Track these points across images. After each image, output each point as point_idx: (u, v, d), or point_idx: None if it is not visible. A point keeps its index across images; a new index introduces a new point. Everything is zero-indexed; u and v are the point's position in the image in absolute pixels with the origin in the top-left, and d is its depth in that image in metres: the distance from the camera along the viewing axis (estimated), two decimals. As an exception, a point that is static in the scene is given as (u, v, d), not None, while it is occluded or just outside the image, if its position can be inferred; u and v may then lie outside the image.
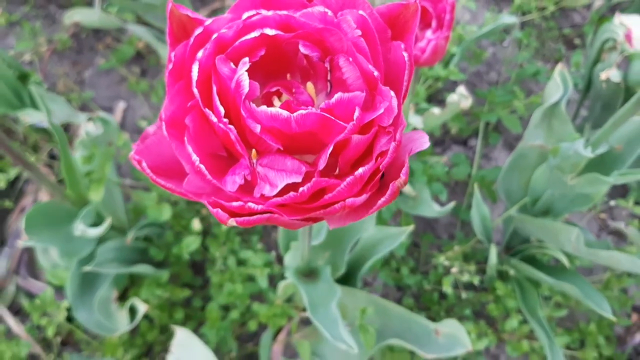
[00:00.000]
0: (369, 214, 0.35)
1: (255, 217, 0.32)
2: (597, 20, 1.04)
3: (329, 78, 0.37)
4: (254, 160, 0.34)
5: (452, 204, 0.78)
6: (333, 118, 0.32)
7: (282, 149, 0.34)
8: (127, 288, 0.91)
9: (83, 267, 0.73)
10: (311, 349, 0.81)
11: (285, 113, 0.32)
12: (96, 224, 0.80)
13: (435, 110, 0.83)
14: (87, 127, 0.75)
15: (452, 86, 1.07)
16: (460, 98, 0.81)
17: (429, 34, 0.63)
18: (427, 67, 0.98)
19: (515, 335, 0.86)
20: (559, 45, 1.17)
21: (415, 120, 0.83)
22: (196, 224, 0.88)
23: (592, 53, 0.86)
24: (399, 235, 0.74)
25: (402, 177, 0.33)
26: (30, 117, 0.81)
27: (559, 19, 1.21)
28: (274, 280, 0.90)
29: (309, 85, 0.38)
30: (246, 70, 0.33)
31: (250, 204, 0.32)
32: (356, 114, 0.32)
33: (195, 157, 0.33)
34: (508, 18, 0.88)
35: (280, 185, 0.33)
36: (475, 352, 0.88)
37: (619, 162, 0.71)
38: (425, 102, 0.97)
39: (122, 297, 0.88)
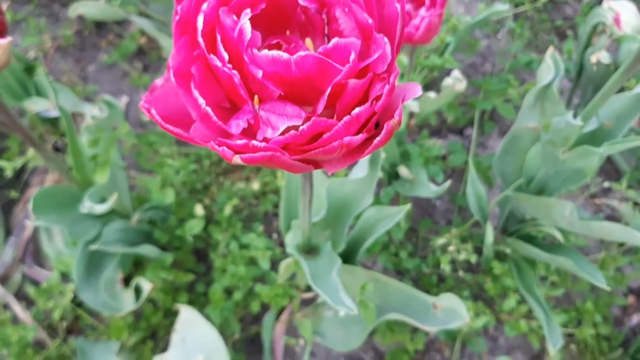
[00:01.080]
0: (364, 154, 0.37)
1: (258, 154, 0.34)
2: (587, 12, 1.07)
3: (326, 32, 0.39)
4: (257, 106, 0.36)
5: (448, 182, 0.80)
6: (330, 61, 0.34)
7: (282, 95, 0.36)
8: (131, 275, 0.93)
9: (89, 247, 0.75)
10: (312, 328, 0.82)
11: (285, 55, 0.34)
12: (101, 209, 0.82)
13: (431, 94, 0.85)
14: (93, 111, 0.77)
15: (447, 75, 1.09)
16: (455, 81, 0.83)
17: (422, 11, 0.66)
18: (424, 58, 1.00)
19: (513, 315, 0.87)
20: (551, 37, 1.20)
21: (411, 104, 0.85)
22: (199, 210, 0.90)
23: (583, 38, 0.89)
24: (397, 214, 0.76)
25: (396, 117, 0.35)
26: (36, 105, 0.83)
27: (551, 12, 1.24)
28: (275, 265, 0.92)
29: (308, 41, 0.40)
30: (248, 21, 0.35)
31: (254, 142, 0.34)
32: (352, 56, 0.34)
33: (201, 100, 0.35)
34: (501, 6, 0.91)
35: (282, 128, 0.35)
36: (474, 331, 0.89)
37: (609, 138, 0.73)
38: (422, 90, 1.00)
39: (126, 283, 0.90)
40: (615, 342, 0.90)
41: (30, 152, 0.89)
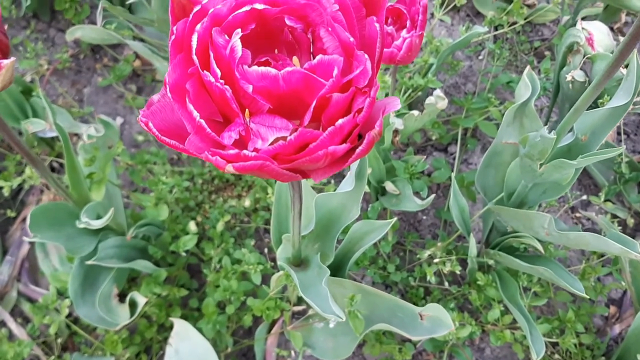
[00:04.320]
0: (348, 163, 0.39)
1: (249, 163, 0.36)
2: (563, 33, 1.11)
3: (311, 50, 0.43)
4: (247, 119, 0.39)
5: (432, 196, 0.83)
6: (315, 76, 0.37)
7: (272, 108, 0.38)
8: (125, 293, 0.95)
9: (85, 262, 0.77)
10: (303, 339, 0.84)
11: (273, 71, 0.36)
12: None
13: (415, 112, 0.89)
14: (89, 130, 0.80)
15: (430, 95, 1.13)
16: (437, 99, 0.87)
17: (404, 33, 0.70)
18: (408, 78, 1.04)
19: (498, 325, 0.90)
20: (530, 57, 1.25)
21: (396, 121, 0.88)
22: (192, 226, 0.92)
23: (559, 57, 0.93)
24: (384, 227, 0.79)
25: (377, 128, 0.38)
26: (33, 125, 0.86)
27: (529, 33, 1.29)
28: (267, 280, 0.94)
29: (295, 59, 0.43)
30: (239, 39, 0.38)
31: (245, 152, 0.36)
32: (335, 71, 0.37)
33: (196, 114, 0.37)
34: (480, 28, 0.95)
35: (271, 139, 0.38)
36: (461, 342, 0.91)
37: (585, 151, 0.77)
38: (406, 109, 1.03)
39: (122, 299, 0.91)
40: (598, 352, 0.93)
41: (27, 171, 0.92)
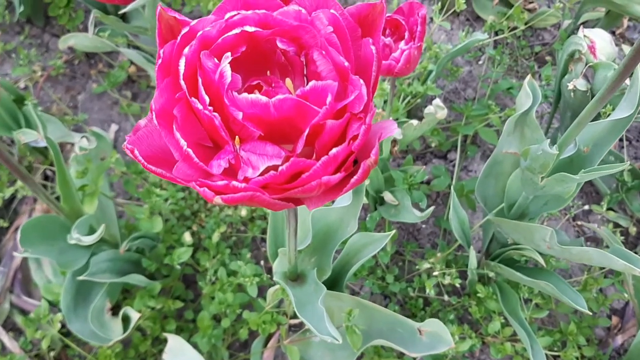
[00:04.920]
0: (343, 192, 0.38)
1: (239, 194, 0.34)
2: (565, 39, 1.09)
3: (305, 73, 0.41)
4: (237, 146, 0.37)
5: (431, 208, 0.82)
6: (308, 103, 0.35)
7: (263, 135, 0.37)
8: (119, 305, 0.93)
9: (77, 277, 0.75)
10: (300, 353, 0.83)
11: (264, 98, 0.35)
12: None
13: (414, 121, 0.87)
14: (81, 142, 0.78)
15: (430, 103, 1.11)
16: (437, 109, 0.85)
17: (402, 44, 0.68)
18: (406, 85, 1.02)
19: (498, 338, 0.88)
20: (531, 63, 1.23)
21: (394, 131, 0.87)
22: (187, 237, 0.91)
23: (560, 65, 0.91)
24: (383, 239, 0.77)
25: (372, 157, 0.36)
26: (25, 136, 0.84)
27: (530, 38, 1.27)
28: (263, 291, 0.92)
29: (288, 81, 0.41)
30: (228, 64, 0.37)
31: (235, 183, 0.35)
32: (328, 98, 0.36)
33: (183, 142, 0.36)
34: (480, 35, 0.93)
35: (262, 168, 0.36)
36: (460, 355, 0.90)
37: (586, 163, 0.75)
38: (405, 117, 1.02)
39: (115, 313, 0.90)
40: (600, 364, 0.92)
41: (20, 182, 0.90)
